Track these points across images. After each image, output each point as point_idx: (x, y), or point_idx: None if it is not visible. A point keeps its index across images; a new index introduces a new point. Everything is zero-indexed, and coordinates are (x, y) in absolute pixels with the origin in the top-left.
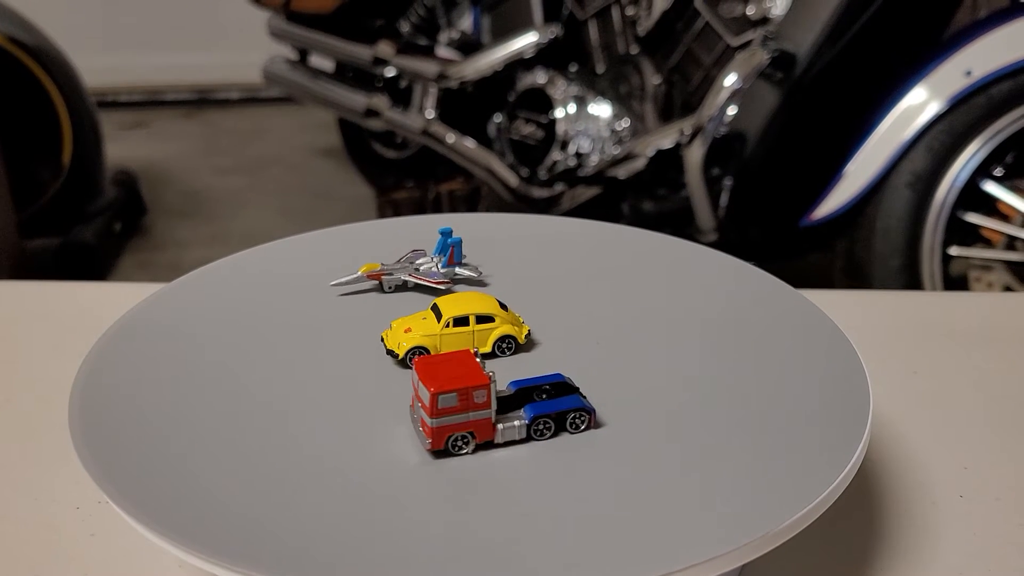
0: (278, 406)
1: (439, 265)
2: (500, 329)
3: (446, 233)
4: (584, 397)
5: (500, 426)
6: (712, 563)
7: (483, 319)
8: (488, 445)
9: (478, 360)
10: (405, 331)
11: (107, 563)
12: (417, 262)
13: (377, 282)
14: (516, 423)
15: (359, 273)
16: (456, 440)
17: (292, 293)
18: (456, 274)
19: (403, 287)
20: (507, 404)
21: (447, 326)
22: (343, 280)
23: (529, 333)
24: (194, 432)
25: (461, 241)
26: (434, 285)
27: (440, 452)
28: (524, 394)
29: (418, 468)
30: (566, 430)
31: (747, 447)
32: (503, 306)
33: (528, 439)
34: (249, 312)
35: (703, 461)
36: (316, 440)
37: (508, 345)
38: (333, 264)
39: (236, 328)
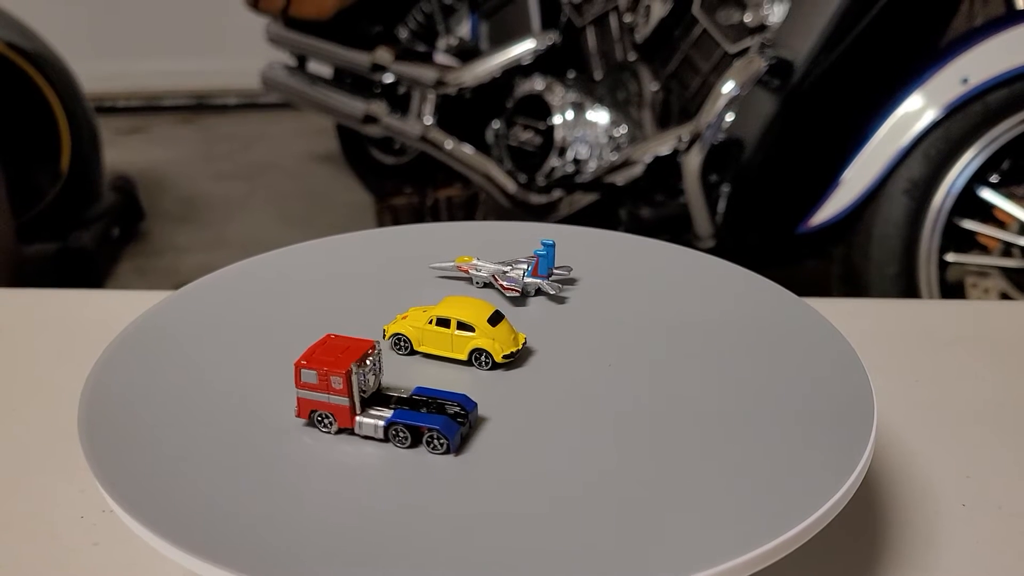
0: (287, 415)
1: (526, 274)
2: (475, 341)
3: (547, 245)
4: (460, 422)
5: (359, 419)
6: (717, 574)
7: (463, 327)
8: (365, 433)
9: (376, 350)
10: (402, 318)
11: (111, 572)
12: (510, 266)
13: (467, 275)
14: (374, 422)
15: (454, 263)
16: (320, 416)
17: (298, 301)
18: (536, 285)
19: (490, 285)
20: (388, 403)
21: (430, 323)
22: (440, 265)
23: (525, 342)
24: (202, 441)
25: (548, 254)
26: (502, 290)
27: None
28: (413, 401)
29: (441, 474)
30: (422, 445)
31: (750, 456)
32: (498, 318)
33: (386, 440)
34: (257, 320)
35: (705, 470)
36: (327, 450)
37: (485, 359)
38: (337, 271)
39: (244, 336)
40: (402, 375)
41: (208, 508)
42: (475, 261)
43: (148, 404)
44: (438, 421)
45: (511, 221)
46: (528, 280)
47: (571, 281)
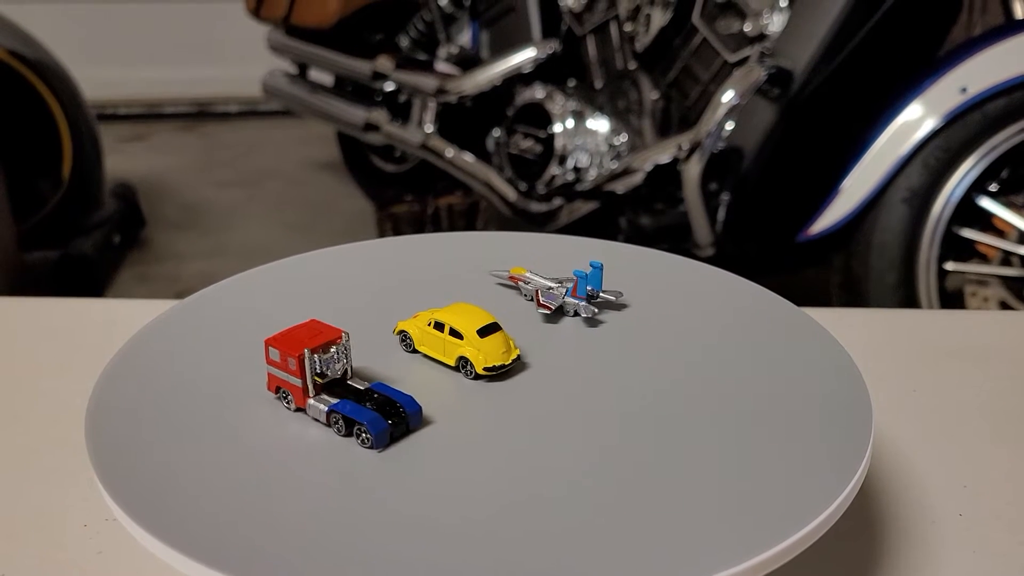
0: (293, 426)
1: (566, 293)
2: (462, 349)
3: (595, 267)
4: (394, 421)
5: (311, 401)
6: None
7: (454, 333)
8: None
9: (343, 340)
10: (414, 317)
11: None
12: (559, 283)
13: (516, 286)
14: (321, 407)
15: (508, 272)
16: (283, 393)
17: (303, 310)
18: (574, 306)
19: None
20: (342, 392)
21: (429, 325)
22: (498, 272)
23: (519, 357)
24: (206, 450)
25: (593, 276)
26: (538, 306)
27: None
28: (363, 394)
29: (445, 493)
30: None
31: (746, 465)
32: (491, 329)
33: (328, 425)
34: (263, 329)
35: (701, 479)
36: (331, 460)
37: (469, 368)
38: (340, 283)
39: (250, 346)
40: (398, 371)
41: (212, 517)
42: (528, 274)
43: (153, 413)
44: (369, 416)
45: (512, 231)
46: (567, 300)
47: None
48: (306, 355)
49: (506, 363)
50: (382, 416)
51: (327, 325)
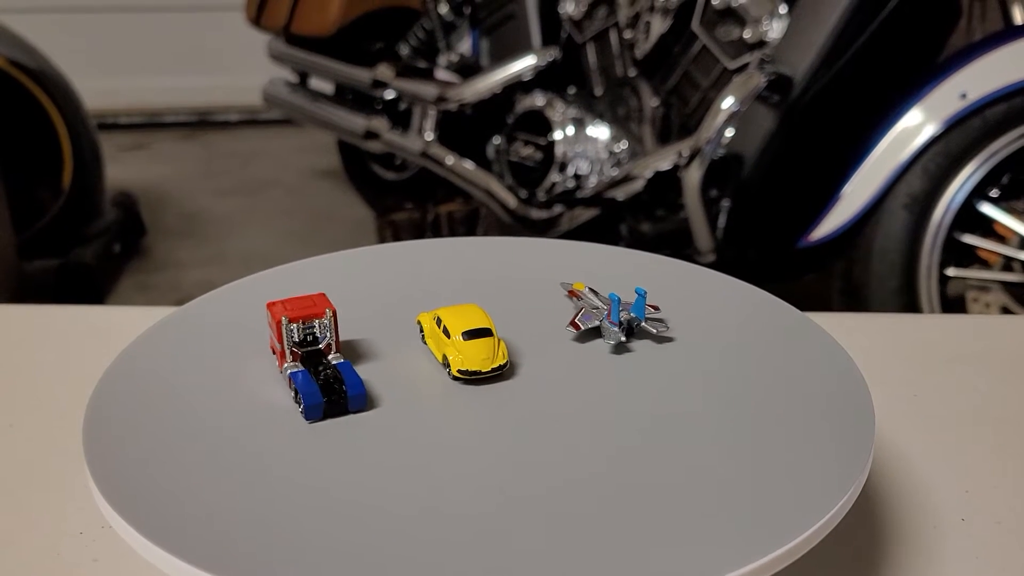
0: (292, 433)
1: (601, 317)
2: (446, 348)
3: (640, 293)
4: (332, 399)
5: (285, 365)
6: None
7: (446, 332)
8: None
9: (327, 316)
10: (435, 310)
11: None
12: (602, 303)
13: (571, 299)
14: (288, 373)
15: (571, 285)
16: (275, 353)
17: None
18: (606, 333)
19: None
20: (314, 363)
21: (434, 319)
22: (565, 283)
23: (503, 366)
24: (203, 457)
25: (619, 302)
26: (569, 323)
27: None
28: (324, 369)
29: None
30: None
31: (748, 469)
32: (477, 334)
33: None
34: (262, 337)
35: (703, 482)
36: (335, 467)
37: (448, 368)
38: (342, 291)
39: (249, 353)
40: (396, 358)
41: (209, 524)
42: (585, 290)
43: (151, 420)
44: (309, 389)
45: (511, 237)
46: (602, 324)
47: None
48: (283, 323)
49: (483, 369)
50: (321, 392)
51: (325, 300)
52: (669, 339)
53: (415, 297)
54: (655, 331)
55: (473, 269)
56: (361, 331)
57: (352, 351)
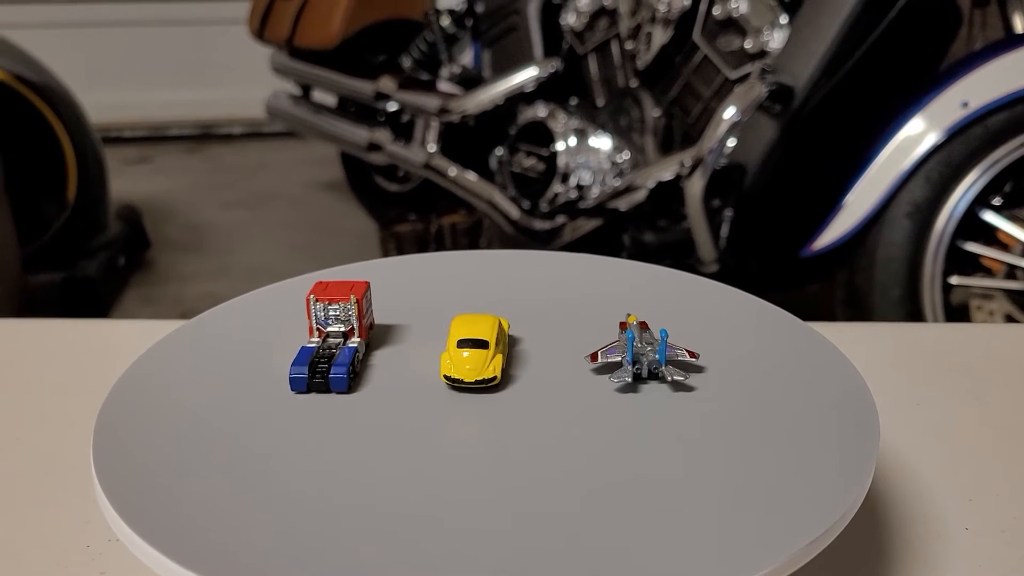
0: (301, 446)
1: (624, 355)
2: (443, 353)
3: (663, 335)
4: (315, 380)
5: (309, 338)
6: None
7: (448, 340)
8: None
9: (351, 302)
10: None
11: None
12: (637, 342)
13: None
14: (304, 345)
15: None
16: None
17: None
18: (615, 363)
19: None
20: (328, 343)
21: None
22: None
23: (493, 379)
24: (212, 472)
25: (660, 346)
26: (590, 357)
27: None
28: (332, 349)
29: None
30: None
31: (752, 477)
32: (474, 344)
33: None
34: (269, 350)
35: (706, 492)
36: (342, 480)
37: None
38: (379, 294)
39: (255, 367)
40: (416, 356)
41: (221, 538)
42: (634, 323)
43: (160, 434)
44: (301, 363)
45: (516, 250)
46: (625, 365)
47: (575, 308)
48: (311, 300)
49: (465, 379)
50: (310, 368)
51: (359, 289)
52: (688, 388)
53: (460, 303)
54: (669, 378)
55: (514, 280)
56: (398, 327)
57: (381, 341)
